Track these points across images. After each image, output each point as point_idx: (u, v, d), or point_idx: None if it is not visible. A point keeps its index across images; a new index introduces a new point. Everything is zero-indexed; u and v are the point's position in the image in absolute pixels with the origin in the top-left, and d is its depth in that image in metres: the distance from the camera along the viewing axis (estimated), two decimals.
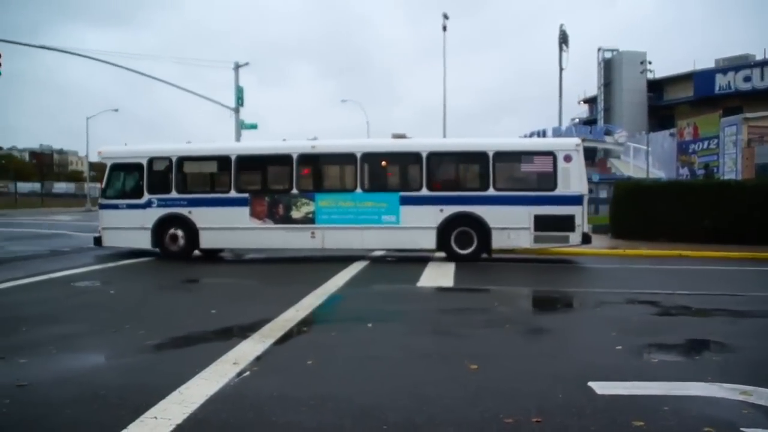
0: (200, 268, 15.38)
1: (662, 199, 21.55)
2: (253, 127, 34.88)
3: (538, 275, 14.42)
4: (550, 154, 15.70)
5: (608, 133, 68.05)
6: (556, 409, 5.11)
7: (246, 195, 16.44)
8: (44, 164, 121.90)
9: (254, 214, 16.40)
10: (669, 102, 74.61)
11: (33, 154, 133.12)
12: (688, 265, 16.14)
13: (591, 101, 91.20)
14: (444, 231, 15.87)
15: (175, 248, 16.77)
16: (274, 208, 16.36)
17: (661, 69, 77.67)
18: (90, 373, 6.14)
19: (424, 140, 17.19)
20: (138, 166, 16.98)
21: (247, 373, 6.11)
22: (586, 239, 15.80)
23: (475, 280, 13.22)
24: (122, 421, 4.78)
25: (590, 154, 74.11)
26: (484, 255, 16.15)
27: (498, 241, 15.82)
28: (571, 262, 16.67)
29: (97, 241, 17.35)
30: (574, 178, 15.58)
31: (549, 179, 15.67)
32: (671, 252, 18.28)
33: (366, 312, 9.54)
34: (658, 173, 57.18)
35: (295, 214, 16.29)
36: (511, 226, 15.66)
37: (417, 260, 16.39)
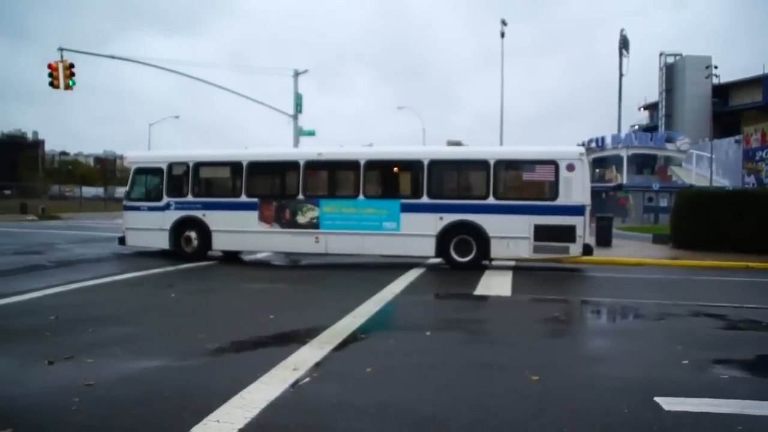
0: (256, 273, 15.59)
1: (727, 208, 20.86)
2: (311, 134, 35.16)
3: (597, 285, 14.13)
4: (552, 163, 15.49)
5: (670, 140, 66.34)
6: (621, 425, 4.97)
7: (255, 200, 17.15)
8: (107, 169, 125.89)
9: (262, 218, 17.10)
10: (735, 108, 72.35)
11: (97, 159, 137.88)
12: (755, 277, 15.57)
13: (652, 107, 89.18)
14: (443, 239, 15.93)
15: (190, 249, 17.68)
16: (281, 212, 16.97)
17: (726, 74, 75.24)
18: (154, 375, 6.28)
19: (426, 148, 17.33)
20: (159, 171, 18.09)
21: (307, 379, 6.14)
22: (587, 251, 15.52)
23: (534, 289, 13.03)
24: (186, 424, 4.86)
25: (650, 162, 72.46)
26: (485, 262, 16.16)
27: (497, 250, 15.74)
28: (628, 271, 16.26)
29: (121, 240, 18.58)
30: (576, 188, 15.33)
31: (550, 189, 15.52)
32: (737, 263, 17.66)
33: (424, 320, 9.49)
34: (722, 181, 55.49)
35: (301, 219, 16.82)
36: (510, 235, 15.56)
37: (474, 268, 16.28)
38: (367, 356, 7.11)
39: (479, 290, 12.56)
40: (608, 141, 68.49)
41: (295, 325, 8.76)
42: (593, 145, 69.60)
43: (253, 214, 17.11)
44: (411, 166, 16.54)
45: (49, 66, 27.76)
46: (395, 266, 16.05)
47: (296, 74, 34.56)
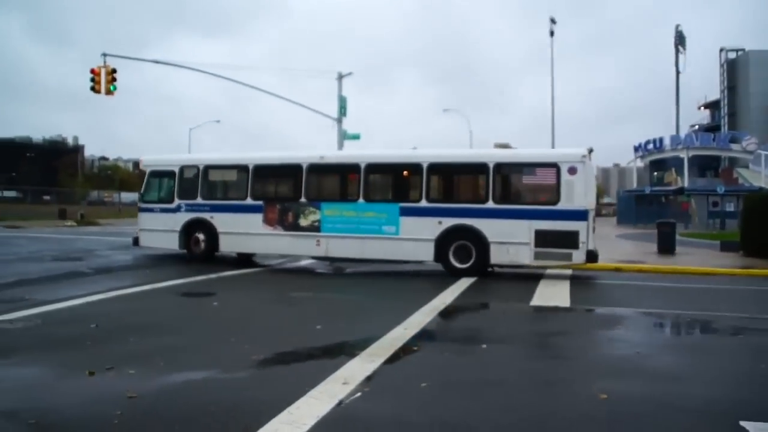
0: (300, 281, 15.56)
1: None
2: (356, 137, 35.16)
3: (660, 296, 13.68)
4: (554, 166, 15.44)
5: (734, 140, 64.44)
6: None
7: (260, 202, 17.96)
8: None
9: (266, 221, 17.88)
10: None
11: (137, 164, 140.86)
12: None
13: (712, 106, 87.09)
14: (442, 243, 16.08)
15: (198, 250, 18.76)
16: (284, 215, 17.68)
17: None
18: (198, 387, 6.20)
19: (425, 151, 17.69)
20: (171, 174, 19.34)
21: (358, 393, 5.99)
22: (591, 257, 15.25)
23: (593, 300, 12.68)
24: None
25: (713, 164, 70.56)
26: (490, 269, 16.19)
27: (497, 256, 15.75)
28: (694, 281, 15.72)
29: (135, 241, 19.92)
30: (578, 192, 15.20)
31: (551, 192, 15.42)
32: None
33: (479, 332, 9.28)
34: None
35: (303, 222, 17.45)
36: (510, 240, 15.54)
37: (529, 276, 16.04)
38: (421, 370, 6.93)
39: (536, 300, 12.27)
40: (666, 142, 66.83)
41: (343, 335, 8.65)
42: (650, 146, 68.07)
43: (258, 217, 17.91)
44: (410, 169, 16.86)
45: (92, 71, 28.58)
46: (444, 275, 15.84)
47: (340, 77, 34.69)
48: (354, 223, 16.84)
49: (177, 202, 19.08)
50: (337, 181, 18.04)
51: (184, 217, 18.91)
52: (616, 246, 27.33)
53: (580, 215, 15.12)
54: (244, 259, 19.40)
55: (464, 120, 57.47)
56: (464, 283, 14.67)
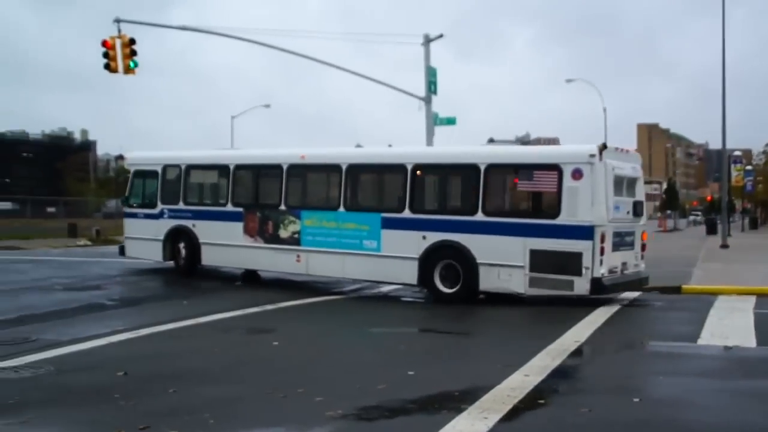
0: (382, 312, 15.76)
1: None
2: (451, 122, 34.88)
3: None
4: (554, 168, 15.52)
5: None
6: None
7: (240, 209, 19.62)
8: None
9: (247, 231, 19.44)
10: None
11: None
12: None
13: None
14: (426, 263, 16.62)
15: (180, 263, 20.98)
16: (264, 225, 19.13)
17: None
18: None
19: (411, 149, 18.98)
20: (154, 174, 21.46)
21: None
22: (597, 288, 15.06)
23: None
24: None
25: None
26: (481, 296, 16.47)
27: (486, 281, 16.04)
28: None
29: (121, 250, 22.93)
30: (583, 202, 15.12)
31: (551, 202, 15.64)
32: None
33: (630, 380, 9.19)
34: None
35: (283, 233, 18.78)
36: (501, 262, 15.80)
37: (695, 303, 15.87)
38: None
39: (704, 338, 12.03)
40: None
41: (443, 383, 8.71)
42: None
43: (239, 226, 19.52)
44: (393, 171, 17.89)
45: (104, 43, 28.65)
46: (577, 303, 15.70)
47: (427, 41, 34.37)
48: (335, 235, 17.86)
49: (160, 206, 21.15)
50: (318, 186, 19.58)
51: (167, 225, 20.93)
52: None
53: (584, 232, 15.03)
54: (250, 276, 21.07)
55: (595, 93, 56.52)
56: (604, 313, 14.59)
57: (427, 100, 34.19)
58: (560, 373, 9.45)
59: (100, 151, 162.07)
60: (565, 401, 8.14)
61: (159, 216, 21.12)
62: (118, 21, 28.16)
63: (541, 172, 15.73)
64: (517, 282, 15.68)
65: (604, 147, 15.28)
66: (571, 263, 15.08)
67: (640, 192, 17.09)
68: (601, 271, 15.04)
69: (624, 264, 16.12)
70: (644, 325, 13.65)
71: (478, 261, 15.98)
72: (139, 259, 22.39)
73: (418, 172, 17.14)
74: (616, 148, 16.47)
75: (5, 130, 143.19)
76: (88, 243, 41.61)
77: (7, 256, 31.21)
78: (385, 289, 19.64)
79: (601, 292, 15.38)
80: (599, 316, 14.28)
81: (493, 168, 16.34)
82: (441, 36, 35.09)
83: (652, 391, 8.60)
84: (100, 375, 9.42)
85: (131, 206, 22.23)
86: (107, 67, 28.49)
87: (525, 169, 16.13)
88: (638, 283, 16.82)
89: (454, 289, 16.31)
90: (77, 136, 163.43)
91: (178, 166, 21.04)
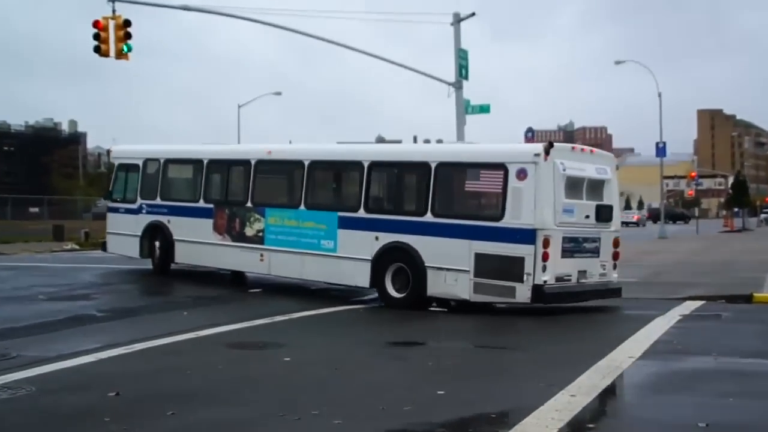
0: (409, 324, 15.73)
1: None
2: (484, 110, 34.86)
3: None
4: (501, 167, 16.27)
5: None
6: None
7: (211, 206, 21.59)
8: None
9: (216, 228, 21.37)
10: None
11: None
12: None
13: None
14: (377, 265, 17.64)
15: (155, 260, 23.18)
16: (232, 222, 21.00)
17: None
18: None
19: (367, 146, 21.21)
20: (136, 168, 23.87)
21: None
22: (538, 296, 15.60)
23: None
24: None
25: None
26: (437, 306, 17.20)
27: (434, 285, 16.86)
28: None
29: (103, 246, 25.90)
30: (526, 204, 15.76)
31: (496, 203, 16.51)
32: None
33: (694, 403, 9.14)
34: None
35: (249, 231, 20.51)
36: (448, 266, 16.60)
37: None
38: None
39: None
40: None
41: (478, 404, 8.70)
42: None
43: (209, 223, 21.50)
44: (350, 169, 19.42)
45: (95, 24, 28.87)
46: (632, 310, 15.65)
47: (457, 20, 34.30)
48: (295, 234, 19.41)
49: (139, 201, 23.50)
50: (282, 183, 21.56)
51: (144, 220, 23.18)
52: None
53: (526, 236, 15.61)
54: (237, 277, 22.81)
55: (649, 75, 55.75)
56: (664, 324, 14.56)
57: (458, 86, 34.06)
58: (611, 394, 9.44)
59: (90, 144, 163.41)
60: (617, 426, 8.11)
61: (138, 211, 23.37)
62: (112, 0, 28.30)
63: (488, 172, 16.62)
64: (463, 287, 16.40)
65: (550, 146, 15.93)
66: (512, 269, 15.75)
67: (610, 195, 17.55)
68: (544, 278, 15.58)
69: (582, 272, 16.55)
70: (709, 339, 13.53)
71: (427, 264, 16.81)
72: (119, 254, 24.78)
73: (374, 170, 18.42)
74: (573, 147, 17.66)
75: None
76: (76, 247, 41.87)
77: None
78: None
79: (544, 300, 15.92)
80: (656, 328, 14.24)
81: (443, 167, 17.26)
82: (473, 15, 35.03)
83: (721, 416, 8.55)
84: (89, 396, 9.43)
85: (114, 200, 24.71)
86: (97, 50, 28.66)
87: (473, 169, 17.21)
88: (605, 293, 17.25)
89: (403, 294, 17.24)
90: (65, 127, 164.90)
91: (157, 160, 23.35)
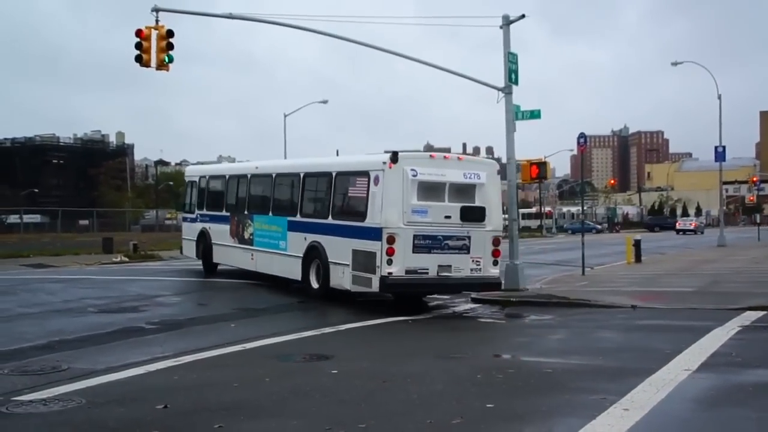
0: (457, 334, 15.80)
1: None
2: (535, 115, 34.39)
3: None
4: (365, 175, 19.37)
5: None
6: None
7: (229, 214, 26.75)
8: None
9: (231, 233, 26.47)
10: None
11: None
12: None
13: None
14: (305, 261, 21.47)
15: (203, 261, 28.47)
16: (238, 228, 25.92)
17: None
18: None
19: (304, 160, 25.35)
20: (195, 185, 29.81)
21: None
22: (384, 286, 18.17)
23: None
24: None
25: None
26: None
27: (334, 278, 20.15)
28: None
29: (181, 249, 32.29)
30: (377, 206, 18.54)
31: (363, 206, 19.28)
32: None
33: (763, 425, 9.00)
34: None
35: (246, 234, 25.37)
36: (339, 261, 19.85)
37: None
38: None
39: None
40: None
41: (528, 418, 8.73)
42: None
43: (227, 228, 26.53)
44: (292, 180, 23.48)
45: (139, 33, 29.11)
46: (689, 321, 15.51)
47: (507, 23, 33.90)
48: (267, 237, 23.96)
49: (196, 212, 29.54)
50: (263, 193, 25.28)
51: (198, 227, 29.02)
52: None
53: (376, 234, 18.36)
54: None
55: (708, 77, 54.78)
56: (721, 336, 14.45)
57: (507, 91, 33.67)
58: (666, 408, 9.34)
59: (138, 155, 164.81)
60: None
61: (195, 220, 29.56)
62: (156, 10, 28.51)
63: (359, 179, 19.66)
64: (347, 279, 19.43)
65: (395, 155, 18.51)
66: (369, 262, 18.54)
67: (485, 198, 19.36)
68: (389, 270, 18.08)
69: (446, 267, 18.53)
70: None
71: (330, 260, 20.20)
72: (188, 257, 30.84)
73: (306, 180, 22.43)
74: (432, 156, 20.09)
75: (33, 134, 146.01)
76: (125, 259, 42.27)
77: (35, 275, 31.96)
78: (460, 308, 19.74)
79: (389, 290, 18.70)
80: (714, 340, 14.10)
81: (339, 176, 20.76)
82: (523, 17, 34.67)
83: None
84: (138, 408, 9.57)
85: (185, 211, 30.70)
86: (139, 59, 28.65)
87: (352, 176, 20.20)
88: (477, 287, 19.91)
89: (317, 286, 20.74)
90: (112, 139, 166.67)
91: (205, 177, 29.40)
